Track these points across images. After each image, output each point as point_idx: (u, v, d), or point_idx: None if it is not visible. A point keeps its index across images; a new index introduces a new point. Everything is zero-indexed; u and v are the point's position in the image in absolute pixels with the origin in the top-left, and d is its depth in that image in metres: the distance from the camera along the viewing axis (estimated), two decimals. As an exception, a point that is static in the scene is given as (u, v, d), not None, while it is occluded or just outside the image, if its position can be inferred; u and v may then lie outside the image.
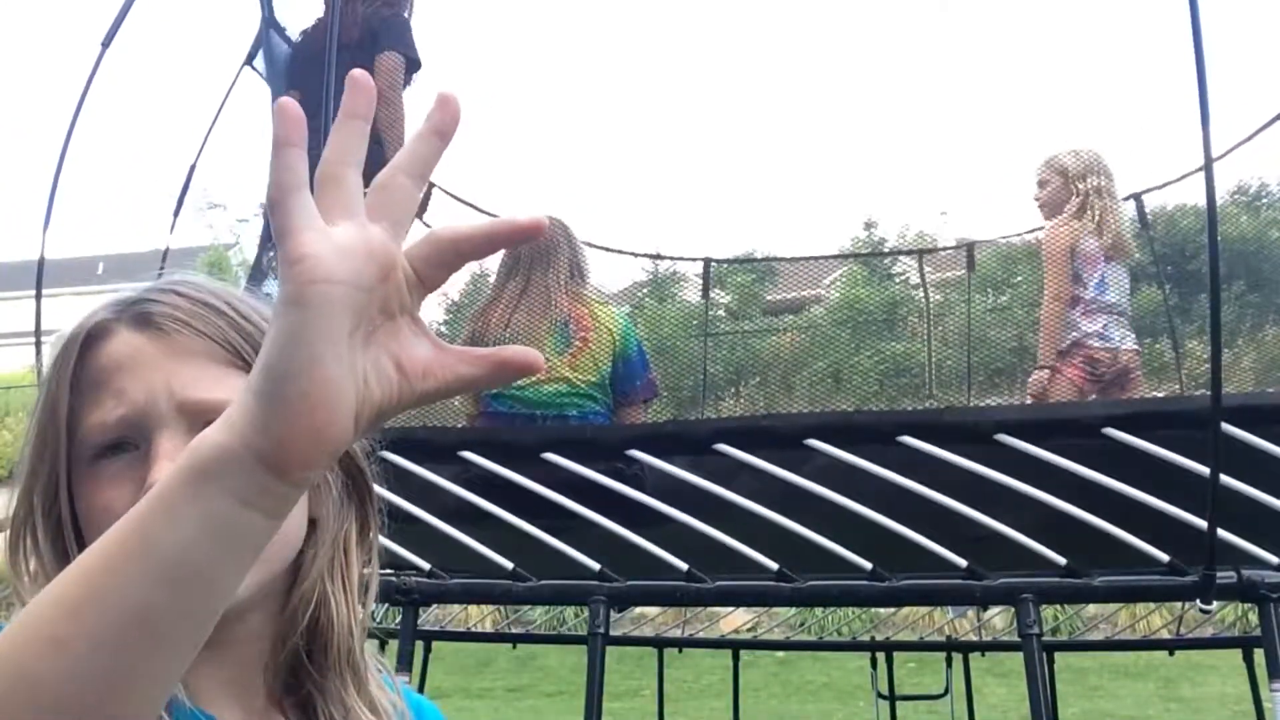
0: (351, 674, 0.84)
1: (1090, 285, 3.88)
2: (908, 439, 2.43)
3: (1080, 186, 3.97)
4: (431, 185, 4.43)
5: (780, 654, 9.63)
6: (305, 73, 3.58)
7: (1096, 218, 3.91)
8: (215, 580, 0.53)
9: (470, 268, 4.63)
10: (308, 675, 0.83)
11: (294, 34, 4.10)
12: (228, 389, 0.78)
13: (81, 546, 0.77)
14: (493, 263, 3.80)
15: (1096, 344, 3.83)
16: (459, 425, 3.41)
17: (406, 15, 3.74)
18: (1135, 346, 3.95)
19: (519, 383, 3.22)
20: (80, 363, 0.79)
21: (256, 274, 4.08)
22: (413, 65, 3.62)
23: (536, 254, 3.43)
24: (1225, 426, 2.19)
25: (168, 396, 0.77)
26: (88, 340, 0.79)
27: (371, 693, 0.85)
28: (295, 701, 0.83)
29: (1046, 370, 3.86)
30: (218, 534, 0.52)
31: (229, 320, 0.81)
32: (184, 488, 0.52)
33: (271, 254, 4.04)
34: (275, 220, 0.52)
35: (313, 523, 0.83)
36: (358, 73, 0.56)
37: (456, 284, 5.03)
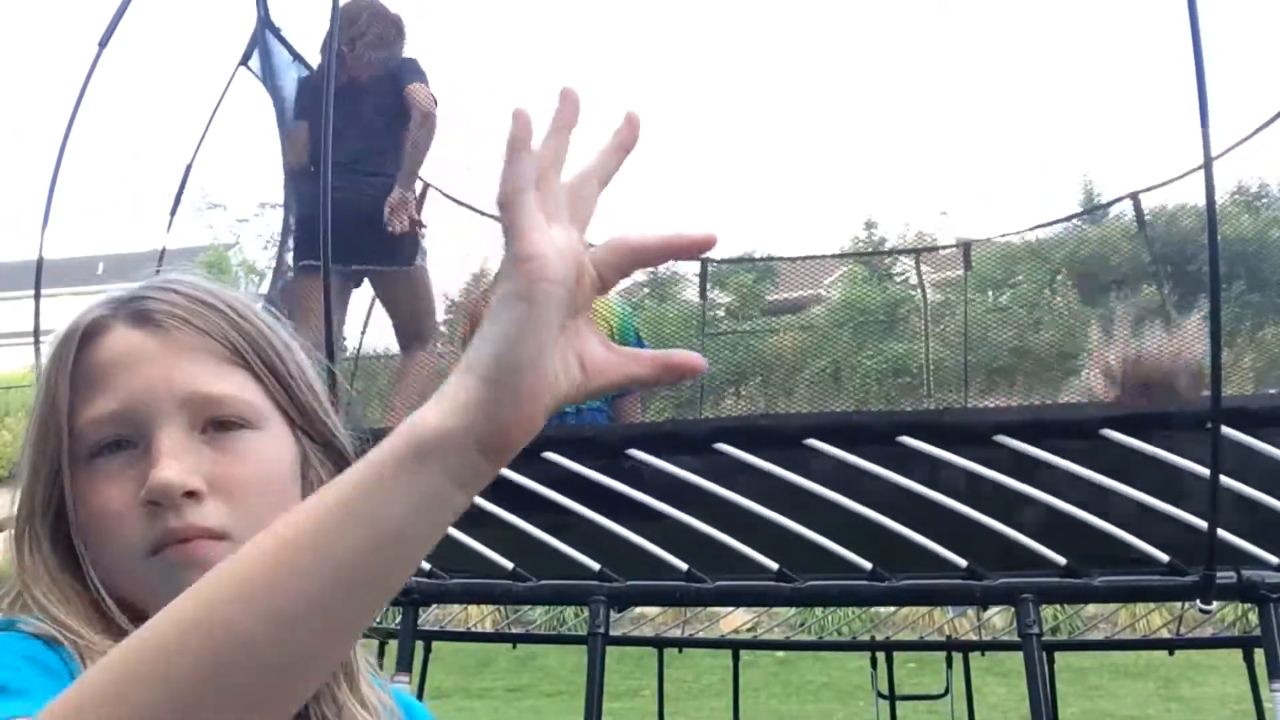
0: (344, 672, 0.84)
1: None
2: (907, 439, 2.43)
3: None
4: (426, 185, 4.43)
5: (780, 654, 9.64)
6: (314, 106, 3.62)
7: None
8: (416, 554, 0.57)
9: (469, 267, 4.63)
10: None
11: (289, 35, 4.12)
12: (229, 384, 0.79)
13: (84, 543, 0.77)
14: (493, 263, 3.81)
15: None
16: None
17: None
18: None
19: None
20: (77, 360, 0.78)
21: (279, 275, 4.09)
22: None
23: None
24: (1224, 429, 2.19)
25: (169, 392, 0.77)
26: (84, 337, 0.79)
27: (363, 691, 0.85)
28: None
29: None
30: (429, 510, 0.56)
31: (227, 319, 0.81)
32: (404, 465, 0.55)
33: (287, 249, 4.05)
34: (506, 218, 0.56)
35: None
36: (567, 88, 0.60)
37: (456, 284, 5.03)
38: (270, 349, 0.82)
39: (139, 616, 0.74)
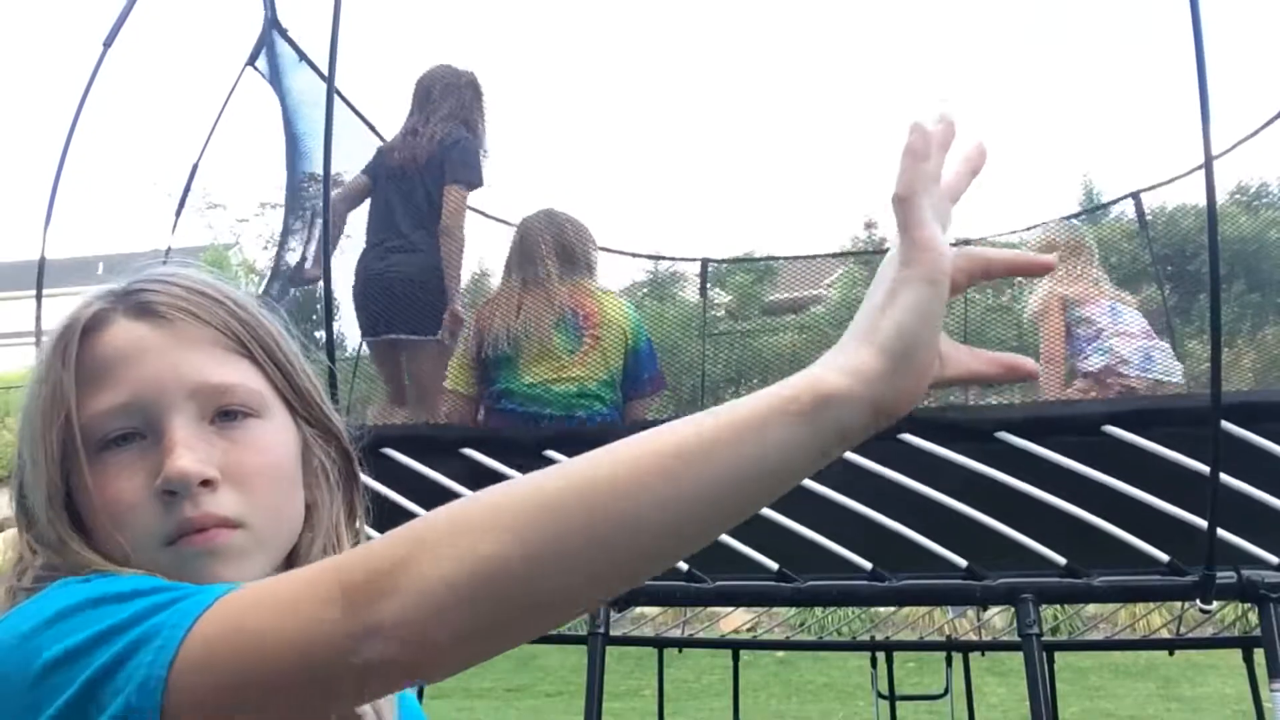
0: None
1: (1099, 319, 3.88)
2: (908, 436, 2.43)
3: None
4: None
5: (780, 654, 9.64)
6: (379, 170, 3.76)
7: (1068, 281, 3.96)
8: (773, 492, 0.64)
9: (470, 268, 4.64)
10: None
11: (296, 35, 4.12)
12: (235, 373, 0.80)
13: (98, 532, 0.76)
14: (494, 263, 3.80)
15: (1133, 373, 3.75)
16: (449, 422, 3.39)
17: (479, 134, 3.82)
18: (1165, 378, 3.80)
19: (529, 381, 3.21)
20: (80, 353, 0.78)
21: (276, 274, 4.10)
22: (475, 186, 3.74)
23: (523, 250, 3.41)
24: (1225, 424, 2.19)
25: (177, 383, 0.77)
26: (85, 330, 0.78)
27: None
28: None
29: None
30: (809, 454, 0.63)
31: (226, 308, 0.82)
32: (803, 410, 0.62)
33: (289, 252, 4.06)
34: (904, 212, 0.65)
35: (308, 508, 0.84)
36: (947, 112, 0.69)
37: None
38: (269, 337, 0.83)
39: None
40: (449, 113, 3.72)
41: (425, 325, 3.52)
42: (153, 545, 0.75)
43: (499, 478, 2.76)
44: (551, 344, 3.20)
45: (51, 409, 0.77)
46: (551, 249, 3.35)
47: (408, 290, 3.51)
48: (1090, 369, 3.79)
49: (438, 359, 3.53)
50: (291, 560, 0.83)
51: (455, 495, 2.61)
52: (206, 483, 0.76)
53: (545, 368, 3.20)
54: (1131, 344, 3.80)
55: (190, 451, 0.75)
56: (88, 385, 0.77)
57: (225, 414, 0.79)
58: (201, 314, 0.80)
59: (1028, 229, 5.19)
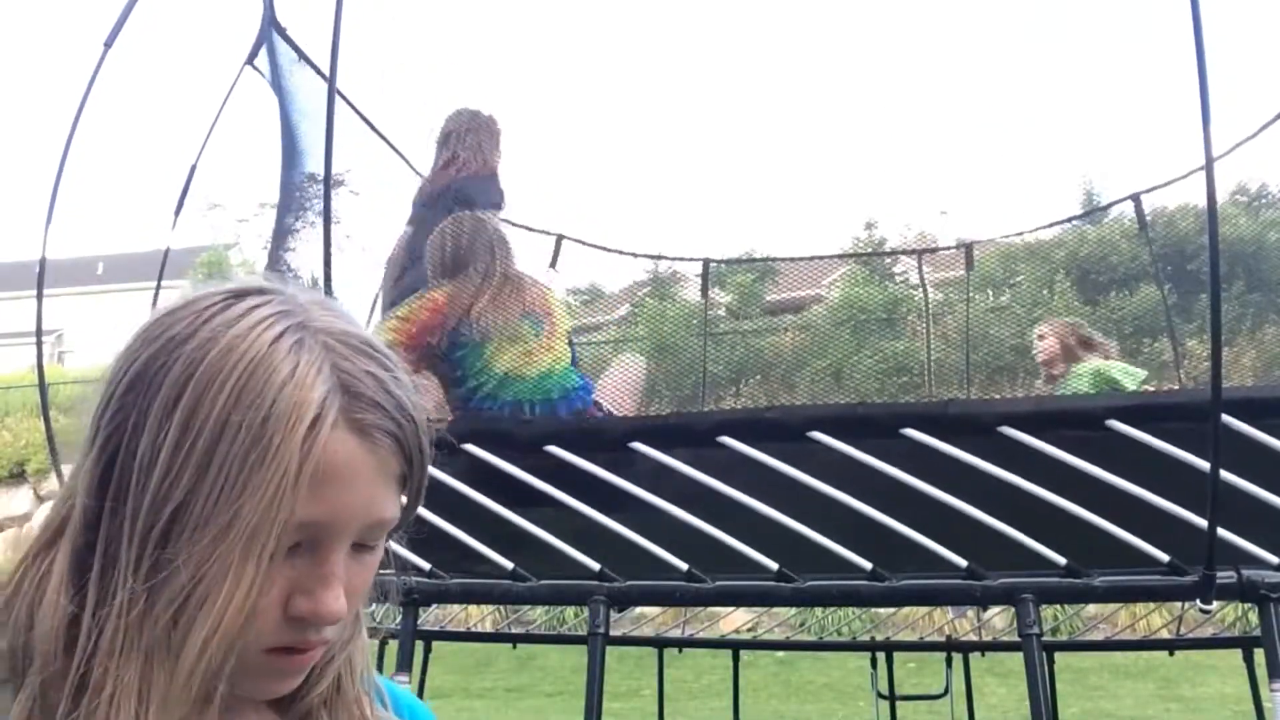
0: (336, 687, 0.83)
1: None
2: (910, 431, 2.43)
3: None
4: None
5: (780, 654, 9.65)
6: (423, 214, 3.77)
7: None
8: None
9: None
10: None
11: (295, 34, 4.12)
12: (395, 508, 0.78)
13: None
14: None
15: None
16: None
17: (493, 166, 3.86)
18: None
19: (503, 370, 3.25)
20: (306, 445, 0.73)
21: (273, 270, 4.10)
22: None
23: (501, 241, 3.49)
24: (1226, 419, 2.18)
25: (363, 517, 0.75)
26: (314, 423, 0.72)
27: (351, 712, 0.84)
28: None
29: None
30: None
31: (413, 438, 0.78)
32: None
33: (287, 249, 4.06)
34: None
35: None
36: None
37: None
38: (427, 465, 0.81)
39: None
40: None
41: None
42: (254, 646, 0.73)
43: (501, 475, 2.73)
44: (520, 331, 3.27)
45: (272, 496, 0.71)
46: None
47: None
48: None
49: None
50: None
51: (456, 494, 2.61)
52: None
53: (515, 354, 3.25)
54: None
55: (340, 587, 0.74)
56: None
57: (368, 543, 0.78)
58: (400, 441, 0.76)
59: (1032, 230, 5.19)
